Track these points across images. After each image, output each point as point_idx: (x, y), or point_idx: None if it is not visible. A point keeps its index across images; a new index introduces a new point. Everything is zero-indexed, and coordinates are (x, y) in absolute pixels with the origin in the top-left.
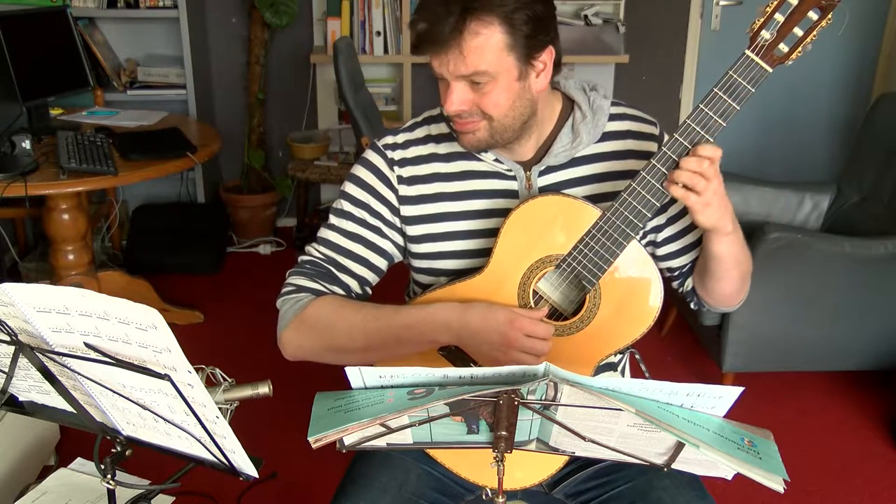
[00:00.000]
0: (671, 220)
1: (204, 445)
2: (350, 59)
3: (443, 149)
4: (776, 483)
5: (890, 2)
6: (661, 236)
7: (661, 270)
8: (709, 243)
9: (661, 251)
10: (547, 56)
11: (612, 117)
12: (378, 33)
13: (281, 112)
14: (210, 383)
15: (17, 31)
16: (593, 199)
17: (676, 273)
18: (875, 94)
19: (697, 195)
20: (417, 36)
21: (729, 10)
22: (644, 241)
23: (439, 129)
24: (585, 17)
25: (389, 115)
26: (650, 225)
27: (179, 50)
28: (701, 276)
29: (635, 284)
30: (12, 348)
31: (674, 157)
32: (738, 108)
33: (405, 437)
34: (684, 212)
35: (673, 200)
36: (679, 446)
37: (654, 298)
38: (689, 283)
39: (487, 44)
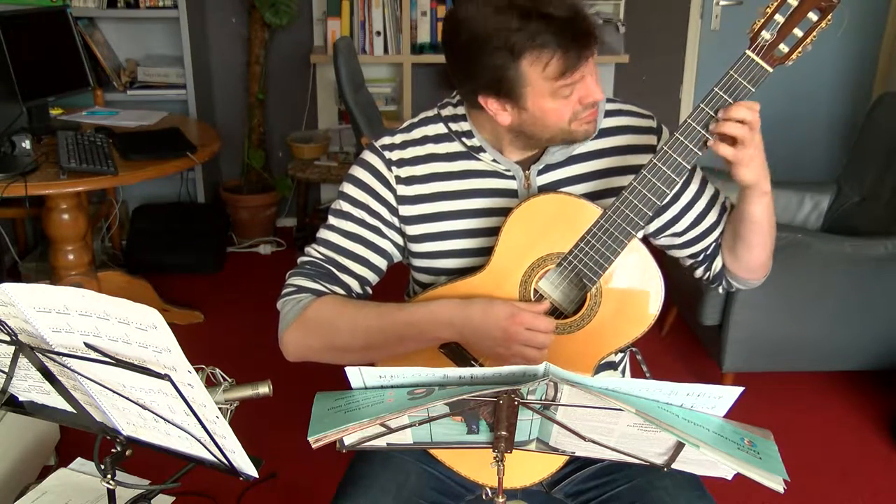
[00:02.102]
0: (686, 208)
1: (204, 445)
2: (350, 59)
3: (441, 149)
4: (776, 483)
5: (890, 2)
6: (681, 226)
7: (682, 259)
8: (747, 205)
9: (684, 238)
10: None
11: (609, 113)
12: (378, 33)
13: (281, 112)
14: (210, 383)
15: (17, 31)
16: (593, 195)
17: (701, 257)
18: (875, 94)
19: (744, 148)
20: (580, 42)
21: (729, 10)
22: (664, 235)
23: (436, 129)
24: None
25: (389, 115)
26: (666, 218)
27: (179, 50)
28: (732, 248)
29: (636, 283)
30: (12, 348)
31: (675, 156)
32: None
33: (405, 437)
34: (699, 195)
35: (683, 189)
36: (679, 446)
37: (655, 298)
38: (717, 264)
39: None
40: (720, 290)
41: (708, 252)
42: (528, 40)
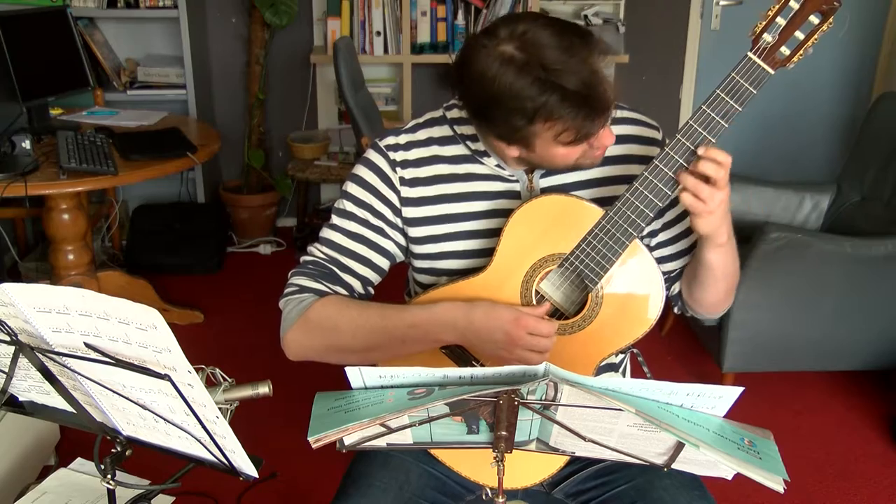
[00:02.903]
0: (666, 226)
1: (204, 445)
2: (350, 59)
3: (445, 151)
4: (776, 483)
5: (890, 2)
6: (654, 241)
7: None
8: (702, 250)
9: (654, 255)
10: None
11: (615, 121)
12: (378, 33)
13: (281, 112)
14: (210, 383)
15: (17, 31)
16: (595, 202)
17: (665, 277)
18: (875, 94)
19: (703, 203)
20: (594, 115)
21: (729, 10)
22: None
23: (442, 131)
24: (585, 17)
25: (389, 115)
26: (647, 229)
27: (179, 50)
28: (688, 283)
29: (637, 285)
30: (12, 348)
31: (677, 157)
32: (740, 109)
33: (405, 437)
34: (680, 218)
35: (670, 206)
36: (679, 446)
37: (656, 299)
38: (675, 288)
39: None
40: (675, 309)
41: (672, 274)
42: (543, 110)
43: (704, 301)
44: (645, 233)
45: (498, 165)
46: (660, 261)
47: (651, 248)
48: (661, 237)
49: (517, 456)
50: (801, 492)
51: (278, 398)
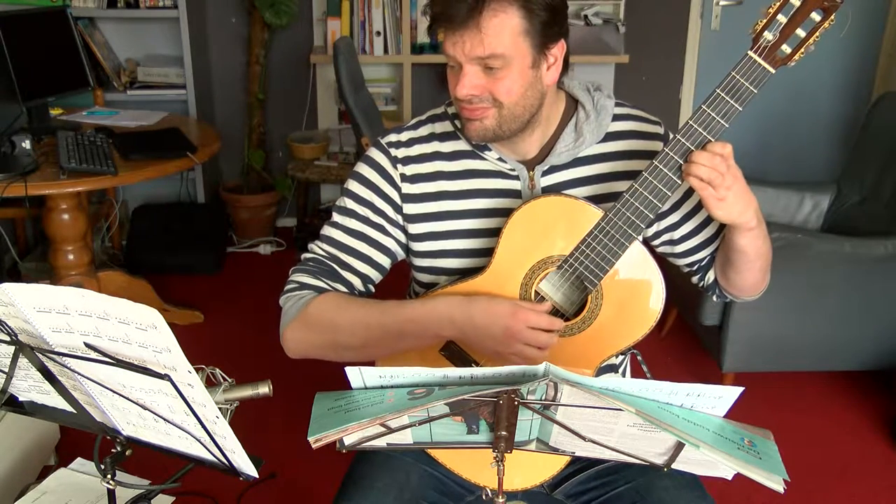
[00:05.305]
0: (686, 217)
1: (204, 445)
2: (350, 59)
3: (446, 147)
4: (776, 483)
5: (890, 2)
6: (677, 234)
7: (680, 266)
8: (731, 236)
9: (680, 248)
10: (558, 50)
11: (616, 117)
12: (378, 33)
13: (281, 112)
14: (210, 383)
15: (17, 31)
16: (597, 199)
17: (696, 268)
18: (875, 94)
19: (713, 189)
20: (434, 14)
21: (729, 10)
22: (661, 240)
23: (443, 127)
24: (585, 17)
25: (389, 115)
26: (665, 224)
27: (179, 50)
28: (723, 268)
29: (637, 286)
30: (12, 348)
31: (676, 157)
32: (741, 108)
33: (405, 437)
34: (699, 207)
35: (686, 197)
36: (679, 446)
37: (656, 300)
38: (710, 276)
39: (505, 26)
40: (714, 298)
41: (702, 263)
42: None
43: (743, 284)
44: (664, 227)
45: (499, 159)
46: (687, 253)
47: (676, 242)
48: (684, 229)
49: (517, 458)
50: (801, 492)
51: (278, 398)
